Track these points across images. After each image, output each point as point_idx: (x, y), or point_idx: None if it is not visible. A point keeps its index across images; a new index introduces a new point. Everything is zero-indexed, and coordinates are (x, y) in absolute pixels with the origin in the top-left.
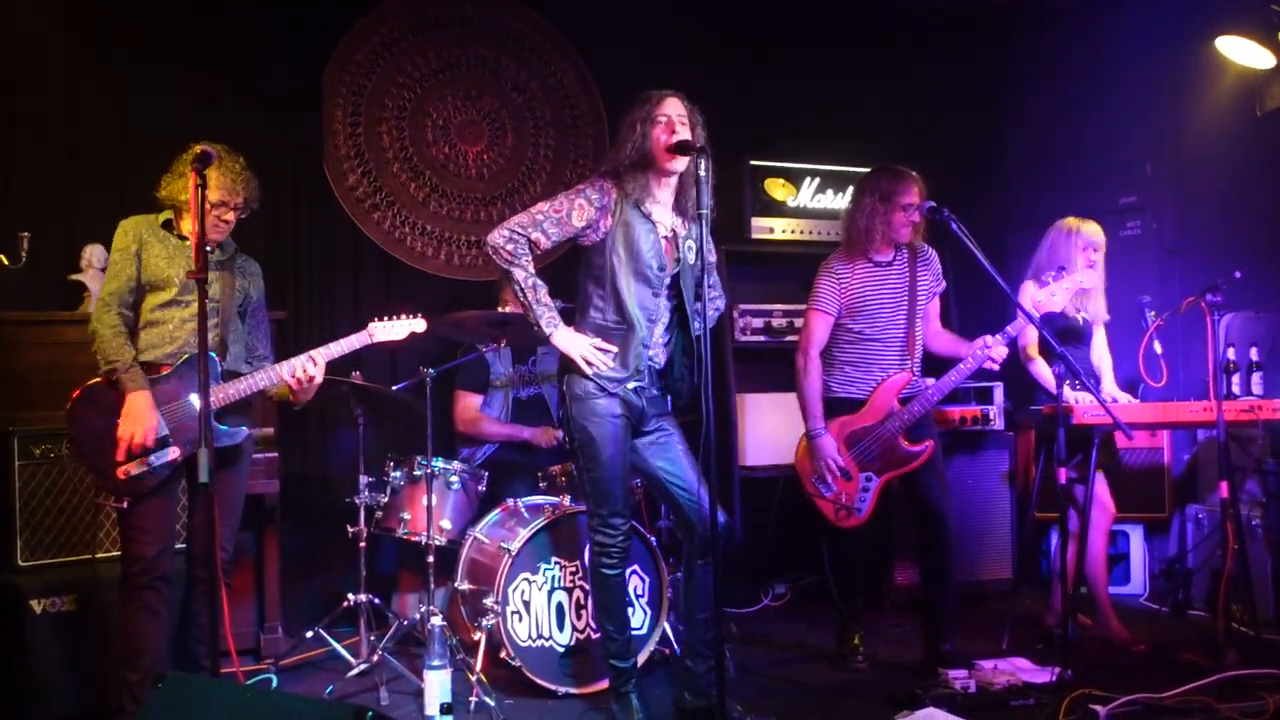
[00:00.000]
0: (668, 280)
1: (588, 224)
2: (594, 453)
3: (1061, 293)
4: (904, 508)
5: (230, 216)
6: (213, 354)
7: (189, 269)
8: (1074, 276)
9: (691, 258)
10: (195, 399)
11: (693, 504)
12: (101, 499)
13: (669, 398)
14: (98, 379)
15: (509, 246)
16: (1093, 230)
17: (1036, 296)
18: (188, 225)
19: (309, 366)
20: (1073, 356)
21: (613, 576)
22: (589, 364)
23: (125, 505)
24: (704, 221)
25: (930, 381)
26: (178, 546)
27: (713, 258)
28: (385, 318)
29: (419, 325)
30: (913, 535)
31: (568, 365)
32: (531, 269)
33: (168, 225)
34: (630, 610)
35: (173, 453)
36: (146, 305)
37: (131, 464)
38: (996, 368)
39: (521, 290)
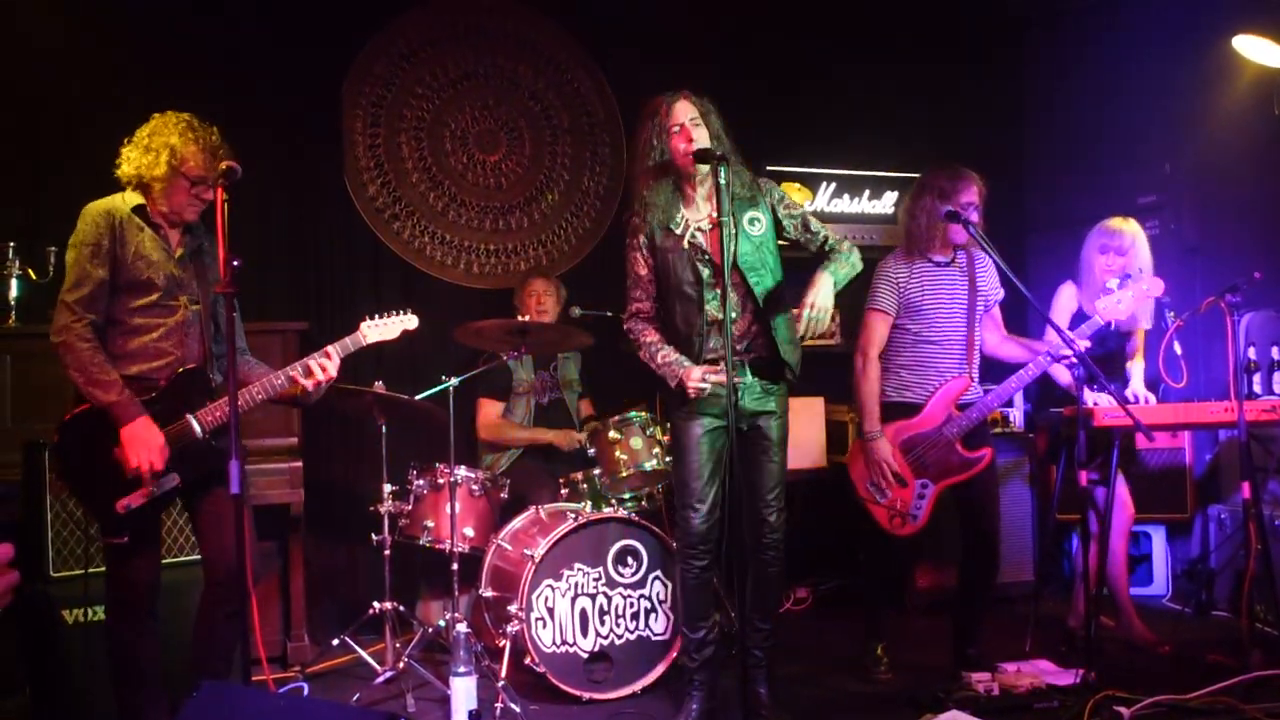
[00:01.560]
0: (717, 276)
1: (653, 258)
2: (678, 448)
3: (1128, 300)
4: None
5: (209, 195)
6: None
7: (170, 267)
8: (1139, 285)
9: (757, 229)
10: (194, 420)
11: (758, 503)
12: (99, 534)
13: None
14: (80, 408)
15: (630, 336)
16: (1111, 229)
17: (1101, 305)
18: (159, 202)
19: (326, 364)
20: (1099, 364)
21: (687, 572)
22: (699, 388)
23: (126, 540)
24: (724, 230)
25: (990, 389)
26: (191, 558)
27: (797, 211)
28: (376, 316)
29: (410, 322)
30: (960, 542)
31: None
32: (651, 338)
33: (141, 211)
34: (653, 616)
35: (172, 480)
36: (122, 308)
37: (131, 496)
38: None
39: (649, 364)
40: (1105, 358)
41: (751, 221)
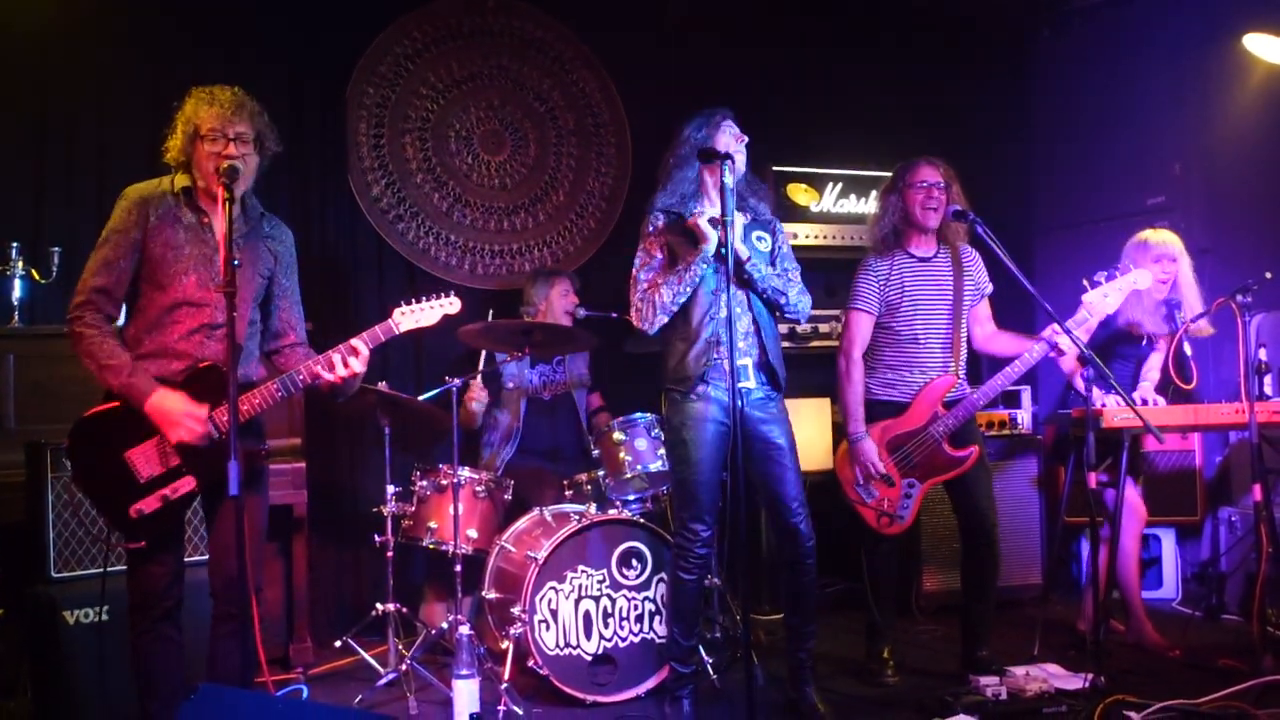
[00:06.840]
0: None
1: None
2: (683, 454)
3: (1115, 293)
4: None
5: (233, 150)
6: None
7: (204, 258)
8: (1127, 277)
9: (764, 246)
10: (210, 419)
11: (787, 514)
12: (115, 541)
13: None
14: (95, 410)
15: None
16: (1163, 239)
17: (1088, 299)
18: (198, 179)
19: (351, 361)
20: (1117, 366)
21: (687, 581)
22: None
23: (144, 546)
24: (728, 229)
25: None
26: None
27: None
28: (411, 301)
29: (452, 306)
30: (960, 541)
31: (667, 366)
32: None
33: (188, 194)
34: (658, 619)
35: (187, 483)
36: (146, 300)
37: (144, 501)
38: (1064, 354)
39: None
40: (1108, 341)
41: (759, 239)
